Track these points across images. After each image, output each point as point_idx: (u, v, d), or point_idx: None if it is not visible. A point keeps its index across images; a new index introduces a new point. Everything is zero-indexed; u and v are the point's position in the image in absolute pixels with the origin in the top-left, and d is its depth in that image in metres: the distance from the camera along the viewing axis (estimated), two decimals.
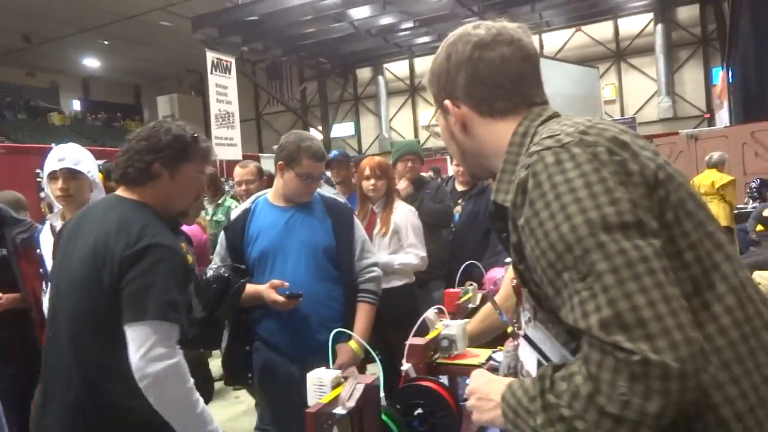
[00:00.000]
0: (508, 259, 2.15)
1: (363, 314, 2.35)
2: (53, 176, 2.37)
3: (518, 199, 0.91)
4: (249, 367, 2.41)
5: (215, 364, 3.68)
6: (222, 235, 2.49)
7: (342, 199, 2.61)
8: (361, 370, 2.22)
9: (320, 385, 1.40)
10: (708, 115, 19.37)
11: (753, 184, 7.11)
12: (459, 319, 1.92)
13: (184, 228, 2.89)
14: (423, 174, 4.18)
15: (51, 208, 3.67)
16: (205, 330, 2.15)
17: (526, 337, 1.04)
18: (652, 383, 0.74)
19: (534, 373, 0.99)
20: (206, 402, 3.20)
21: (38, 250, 2.52)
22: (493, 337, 1.89)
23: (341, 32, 19.76)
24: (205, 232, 3.97)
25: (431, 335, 1.74)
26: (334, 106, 24.86)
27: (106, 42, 22.40)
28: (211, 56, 9.03)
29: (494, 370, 1.48)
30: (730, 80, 14.75)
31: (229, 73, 9.13)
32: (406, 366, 1.66)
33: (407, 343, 1.67)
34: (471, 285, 2.21)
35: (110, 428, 1.62)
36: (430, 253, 3.45)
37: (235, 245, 2.40)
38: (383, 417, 1.47)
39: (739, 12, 12.32)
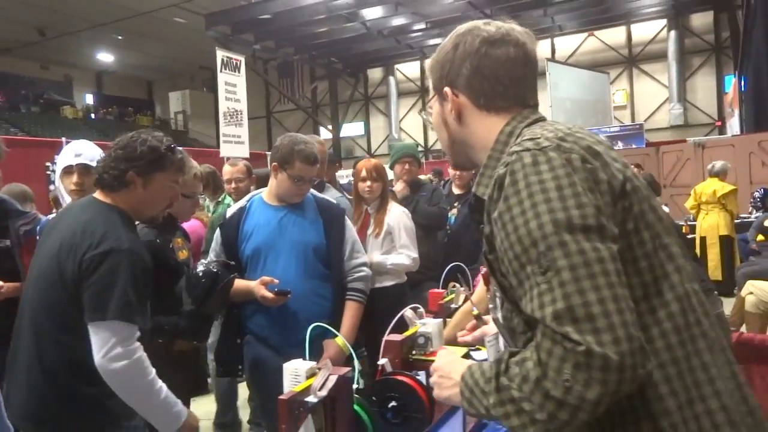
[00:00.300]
0: None
1: (350, 312, 2.43)
2: (69, 170, 2.43)
3: (495, 193, 0.97)
4: (240, 359, 2.49)
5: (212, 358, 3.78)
6: (217, 231, 2.57)
7: (347, 203, 2.70)
8: (349, 365, 2.29)
9: (296, 375, 1.48)
10: (719, 123, 19.26)
11: (757, 194, 7.09)
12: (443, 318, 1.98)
13: (187, 224, 2.99)
14: (420, 177, 4.24)
15: (57, 202, 3.76)
16: (194, 322, 2.23)
17: (497, 321, 1.12)
18: (594, 373, 0.81)
19: None
20: (200, 393, 3.30)
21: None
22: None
23: (353, 32, 19.85)
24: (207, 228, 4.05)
25: (408, 333, 1.80)
26: (345, 105, 24.96)
27: (119, 37, 22.63)
28: (221, 54, 9.13)
29: None
30: (742, 88, 14.67)
31: (239, 72, 9.22)
32: (382, 361, 1.72)
33: (384, 339, 1.73)
34: (455, 286, 2.27)
35: (66, 411, 1.73)
36: (425, 255, 3.50)
37: (230, 242, 2.48)
38: (355, 407, 1.53)
39: (753, 20, 12.24)
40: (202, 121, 25.45)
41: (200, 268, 2.23)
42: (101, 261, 1.67)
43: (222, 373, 2.59)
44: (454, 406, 1.40)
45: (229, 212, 2.59)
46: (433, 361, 1.80)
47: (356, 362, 1.62)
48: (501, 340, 1.17)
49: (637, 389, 0.89)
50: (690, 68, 20.30)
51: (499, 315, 1.09)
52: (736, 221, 7.02)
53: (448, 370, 1.07)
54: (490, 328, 1.45)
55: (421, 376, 1.78)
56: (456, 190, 4.13)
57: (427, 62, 1.22)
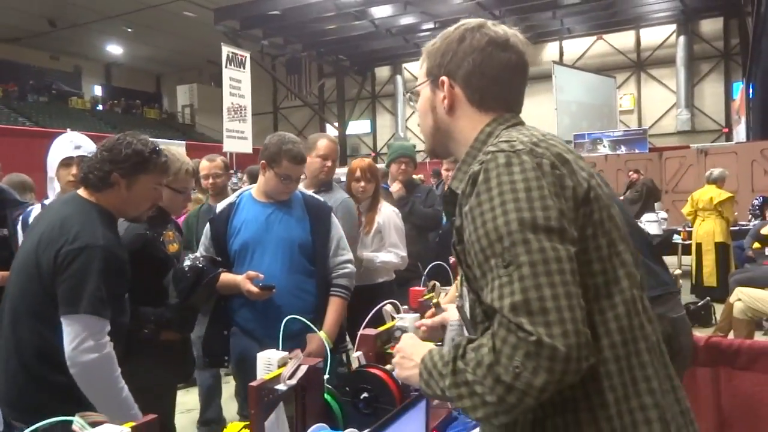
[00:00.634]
0: None
1: (333, 307, 2.49)
2: (67, 162, 2.45)
3: (468, 188, 1.03)
4: (226, 350, 2.55)
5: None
6: (207, 226, 2.63)
7: (353, 204, 2.75)
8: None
9: (268, 364, 1.54)
10: (726, 130, 19.21)
11: (756, 202, 7.12)
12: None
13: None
14: (413, 177, 4.29)
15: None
16: (179, 314, 2.29)
17: (461, 309, 1.19)
18: (542, 362, 0.88)
19: None
20: (189, 383, 3.35)
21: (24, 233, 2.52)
22: None
23: (362, 30, 19.91)
24: None
25: (383, 327, 1.86)
26: (351, 103, 25.02)
27: (129, 29, 22.76)
28: (226, 50, 9.21)
29: None
30: (750, 96, 14.63)
31: (244, 68, 9.29)
32: (356, 354, 1.78)
33: (359, 333, 1.79)
34: (435, 283, 2.33)
35: (40, 399, 1.78)
36: (417, 254, 3.56)
37: (219, 236, 2.54)
38: (326, 396, 1.59)
39: (763, 27, 12.20)
40: (209, 116, 25.53)
41: (187, 262, 2.29)
42: (75, 256, 1.73)
43: (209, 363, 2.66)
44: (419, 397, 1.46)
45: (219, 207, 2.65)
46: None
47: (329, 354, 1.69)
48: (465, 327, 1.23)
49: (580, 382, 0.95)
50: (698, 74, 20.23)
51: (466, 304, 1.15)
52: (734, 228, 7.03)
53: (410, 352, 1.14)
54: (452, 315, 1.52)
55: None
56: None
57: (426, 46, 1.23)
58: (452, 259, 2.62)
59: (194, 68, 27.50)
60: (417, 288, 2.34)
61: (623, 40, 21.25)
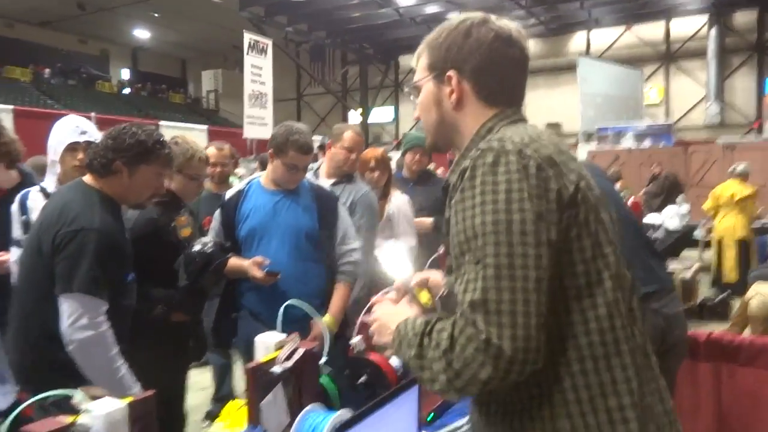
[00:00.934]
0: None
1: (339, 293, 2.54)
2: (74, 147, 2.47)
3: (458, 182, 1.07)
4: (234, 332, 2.62)
5: None
6: (218, 212, 2.69)
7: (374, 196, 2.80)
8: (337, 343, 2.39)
9: (266, 347, 1.59)
10: (756, 125, 18.76)
11: None
12: None
13: None
14: (429, 167, 4.30)
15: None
16: (189, 297, 2.36)
17: (447, 296, 1.26)
18: (488, 358, 0.95)
19: None
20: (198, 360, 3.44)
21: (24, 216, 2.48)
22: None
23: (386, 18, 19.81)
24: None
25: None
26: (374, 91, 24.95)
27: (156, 14, 22.96)
28: (248, 37, 9.27)
29: None
30: None
31: (265, 55, 9.35)
32: (356, 339, 1.82)
33: (358, 319, 1.82)
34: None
35: (45, 374, 1.85)
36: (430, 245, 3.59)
37: (228, 223, 2.60)
38: (322, 379, 1.64)
39: None
40: (233, 101, 25.64)
41: (196, 247, 2.36)
42: (72, 238, 1.81)
43: (217, 344, 2.73)
44: (411, 382, 1.49)
45: (228, 194, 2.71)
46: None
47: (328, 339, 1.73)
48: None
49: (554, 377, 1.01)
50: (729, 67, 19.74)
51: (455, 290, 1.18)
52: (759, 225, 6.93)
53: (386, 320, 1.20)
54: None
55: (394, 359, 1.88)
56: None
57: (427, 39, 1.25)
58: (440, 250, 2.64)
59: (219, 54, 27.65)
60: None
61: (652, 31, 20.79)
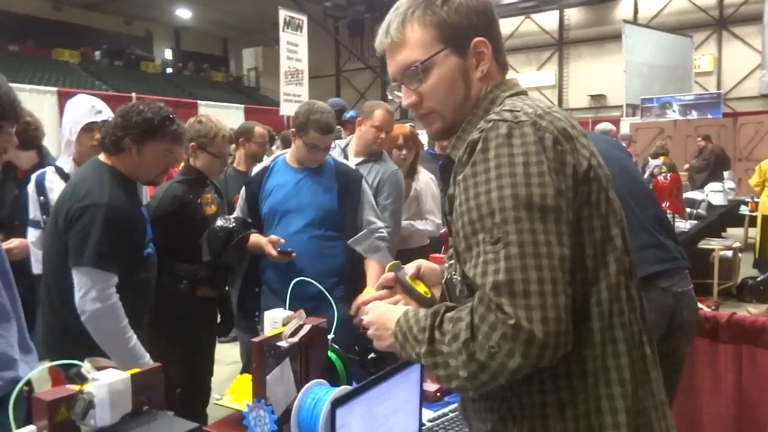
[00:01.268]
0: None
1: (372, 269, 2.54)
2: (90, 128, 2.52)
3: (465, 156, 0.99)
4: (257, 306, 2.69)
5: None
6: (243, 188, 2.75)
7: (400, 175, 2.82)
8: None
9: (274, 322, 1.64)
10: None
11: None
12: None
13: None
14: None
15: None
16: (213, 272, 2.44)
17: (450, 281, 1.13)
18: (518, 345, 0.87)
19: None
20: (225, 336, 3.56)
21: (41, 197, 2.52)
22: None
23: None
24: None
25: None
26: None
27: None
28: (283, 14, 9.30)
29: None
30: None
31: (301, 31, 9.37)
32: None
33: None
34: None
35: (68, 344, 1.96)
36: None
37: (253, 198, 2.66)
38: (330, 354, 1.68)
39: None
40: (273, 78, 25.85)
41: (219, 223, 2.43)
42: (82, 213, 1.90)
43: (241, 317, 2.82)
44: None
45: (255, 170, 2.76)
46: None
47: (336, 315, 1.77)
48: None
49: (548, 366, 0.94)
50: None
51: (456, 275, 1.10)
52: None
53: (384, 320, 1.11)
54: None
55: None
56: None
57: (417, 7, 1.08)
58: (443, 230, 2.60)
59: (259, 31, 27.80)
60: (436, 255, 2.37)
61: None
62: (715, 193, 6.76)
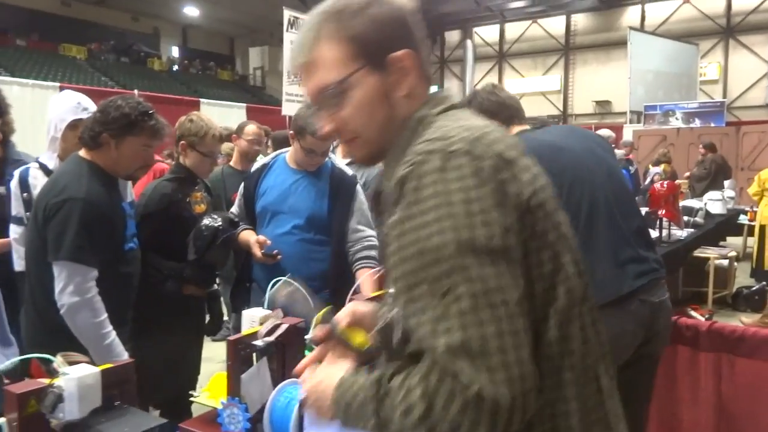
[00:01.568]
0: None
1: (364, 280, 2.53)
2: (75, 125, 2.48)
3: (396, 193, 0.87)
4: (248, 301, 2.71)
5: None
6: (242, 185, 2.77)
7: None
8: None
9: (252, 320, 1.65)
10: None
11: None
12: None
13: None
14: None
15: None
16: (198, 270, 2.46)
17: (381, 331, 1.02)
18: (482, 415, 0.76)
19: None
20: (213, 335, 3.58)
21: (25, 193, 2.51)
22: None
23: None
24: None
25: (374, 294, 1.94)
26: None
27: None
28: (287, 14, 9.33)
29: None
30: None
31: None
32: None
33: (348, 297, 1.87)
34: None
35: (52, 341, 1.93)
36: None
37: (249, 195, 2.67)
38: (307, 354, 1.69)
39: None
40: (279, 78, 25.95)
41: (206, 221, 2.44)
42: (59, 208, 1.92)
43: (233, 309, 2.84)
44: None
45: (255, 167, 2.78)
46: None
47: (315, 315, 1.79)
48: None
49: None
50: None
51: (392, 317, 0.98)
52: None
53: (320, 390, 0.97)
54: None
55: None
56: None
57: (328, 19, 0.96)
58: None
59: (266, 30, 27.88)
60: None
61: (713, 3, 19.85)
62: (713, 202, 6.75)
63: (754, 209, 7.05)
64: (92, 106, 2.54)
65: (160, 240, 2.45)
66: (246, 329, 1.65)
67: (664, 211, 4.86)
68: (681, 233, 5.15)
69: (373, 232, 2.69)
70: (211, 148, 2.72)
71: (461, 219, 0.81)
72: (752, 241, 7.07)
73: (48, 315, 1.98)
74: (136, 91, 8.33)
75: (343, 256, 2.61)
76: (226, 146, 4.43)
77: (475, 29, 23.74)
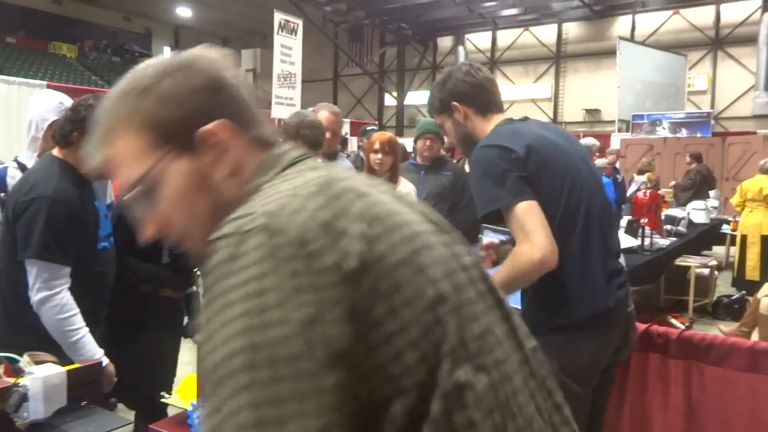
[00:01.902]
0: (485, 240, 2.25)
1: None
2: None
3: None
4: None
5: None
6: None
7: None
8: None
9: None
10: None
11: None
12: None
13: None
14: (443, 153, 4.29)
15: None
16: (174, 273, 2.46)
17: None
18: None
19: None
20: (192, 337, 3.58)
21: (2, 193, 2.58)
22: None
23: None
24: None
25: None
26: (411, 73, 24.80)
27: None
28: (278, 17, 9.36)
29: None
30: None
31: (295, 35, 9.40)
32: None
33: None
34: None
35: (22, 341, 1.92)
36: None
37: None
38: None
39: None
40: (271, 80, 26.02)
41: None
42: (27, 206, 1.93)
43: None
44: None
45: None
46: None
47: None
48: None
49: None
50: None
51: None
52: None
53: None
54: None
55: None
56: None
57: (132, 115, 0.80)
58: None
59: (259, 33, 27.86)
60: None
61: (702, 15, 20.02)
62: (697, 211, 6.83)
63: (737, 219, 7.14)
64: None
65: (136, 242, 2.45)
66: None
67: (646, 220, 4.91)
68: (663, 242, 5.21)
69: None
70: None
71: (254, 318, 0.61)
72: (734, 251, 7.15)
73: (17, 314, 1.98)
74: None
75: None
76: None
77: (468, 36, 23.84)
